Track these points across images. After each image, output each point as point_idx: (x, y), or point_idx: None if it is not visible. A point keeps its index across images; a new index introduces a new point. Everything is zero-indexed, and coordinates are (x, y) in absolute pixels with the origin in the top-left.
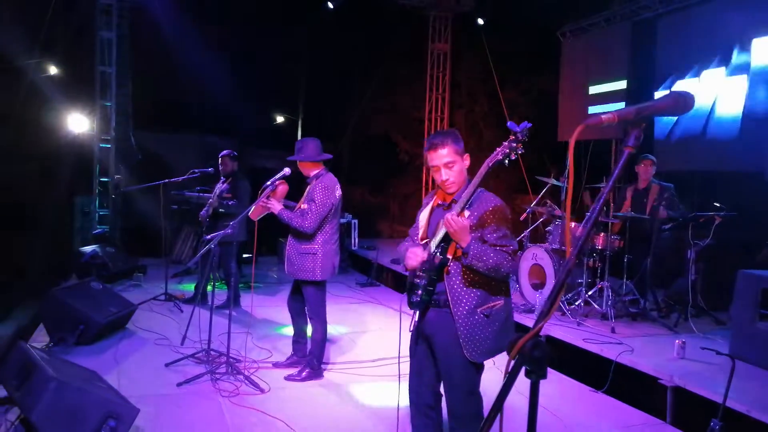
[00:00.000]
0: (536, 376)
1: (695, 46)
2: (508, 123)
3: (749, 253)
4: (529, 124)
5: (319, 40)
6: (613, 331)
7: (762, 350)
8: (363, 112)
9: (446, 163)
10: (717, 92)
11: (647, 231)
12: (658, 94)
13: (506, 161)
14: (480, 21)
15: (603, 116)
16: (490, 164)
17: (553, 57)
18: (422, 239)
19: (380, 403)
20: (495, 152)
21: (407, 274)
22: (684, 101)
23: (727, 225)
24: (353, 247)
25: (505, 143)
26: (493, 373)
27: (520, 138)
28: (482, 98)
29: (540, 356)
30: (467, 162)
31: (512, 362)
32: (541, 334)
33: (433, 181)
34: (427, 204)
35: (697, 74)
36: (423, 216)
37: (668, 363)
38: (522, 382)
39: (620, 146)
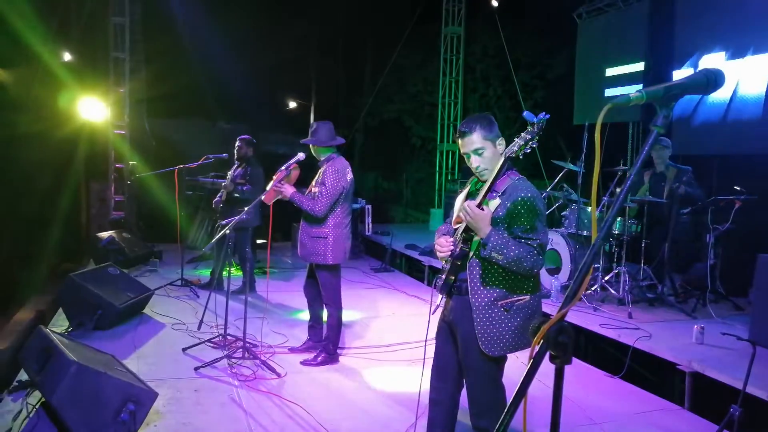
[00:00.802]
0: (561, 361)
1: (716, 25)
2: (525, 113)
3: None
4: (547, 115)
5: (331, 24)
6: (630, 316)
7: None
8: (375, 97)
9: (475, 149)
10: (740, 72)
11: (665, 215)
12: (677, 75)
13: (521, 155)
14: (494, 3)
15: (631, 95)
16: (507, 157)
17: (568, 39)
18: (455, 224)
19: (396, 388)
20: (510, 145)
21: (421, 258)
22: (715, 78)
23: (747, 209)
24: (367, 233)
25: (523, 134)
26: (514, 360)
27: (537, 130)
28: (496, 82)
29: (565, 341)
30: (502, 147)
31: (536, 347)
32: None
33: (449, 164)
34: (465, 189)
35: (718, 53)
36: (458, 201)
37: (687, 348)
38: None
39: (637, 128)
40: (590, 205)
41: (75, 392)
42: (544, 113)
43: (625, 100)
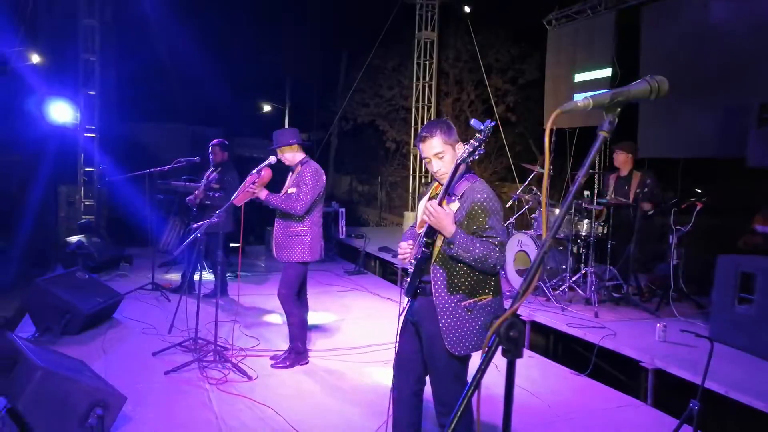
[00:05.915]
0: (512, 355)
1: (678, 34)
2: (472, 121)
3: (730, 239)
4: (493, 123)
5: (305, 29)
6: (596, 315)
7: (740, 333)
8: (350, 101)
9: (436, 153)
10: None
11: (630, 217)
12: None
13: (469, 161)
14: (467, 9)
15: (579, 102)
16: (458, 163)
17: (539, 45)
18: (419, 228)
19: (368, 389)
20: (461, 152)
21: (394, 260)
22: (657, 86)
23: (708, 211)
24: (341, 236)
25: (471, 141)
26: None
27: (483, 137)
28: (469, 86)
29: (515, 336)
30: (460, 151)
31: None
32: (527, 319)
33: (423, 168)
34: (427, 193)
35: (681, 61)
36: (420, 205)
37: (650, 346)
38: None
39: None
40: (558, 207)
41: (41, 397)
42: (489, 120)
43: (573, 106)
